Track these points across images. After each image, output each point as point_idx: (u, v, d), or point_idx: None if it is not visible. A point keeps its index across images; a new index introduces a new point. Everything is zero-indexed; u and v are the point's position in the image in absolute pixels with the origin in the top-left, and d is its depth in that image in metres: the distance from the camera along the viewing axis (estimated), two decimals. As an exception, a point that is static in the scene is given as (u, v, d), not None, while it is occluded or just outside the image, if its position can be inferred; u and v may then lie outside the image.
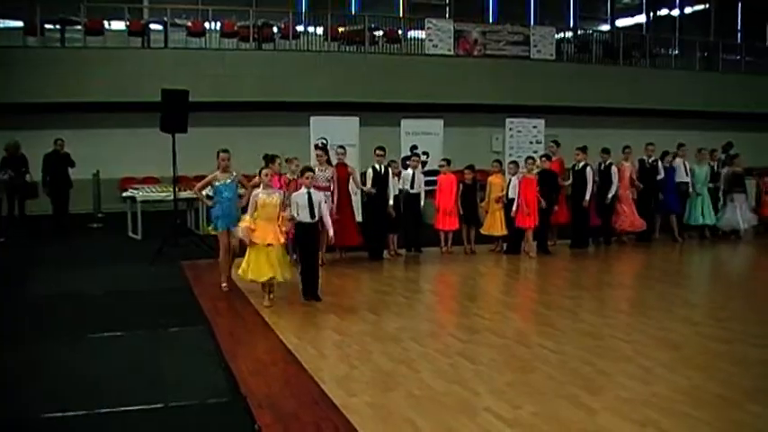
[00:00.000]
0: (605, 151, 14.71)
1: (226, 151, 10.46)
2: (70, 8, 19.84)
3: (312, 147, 13.86)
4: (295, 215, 9.46)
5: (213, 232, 10.67)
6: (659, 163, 15.40)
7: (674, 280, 12.11)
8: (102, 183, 18.49)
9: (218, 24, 21.45)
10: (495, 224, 13.91)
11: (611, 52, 25.53)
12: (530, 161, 13.90)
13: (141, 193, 15.84)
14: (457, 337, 8.04)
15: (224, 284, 10.40)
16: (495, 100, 21.48)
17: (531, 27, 24.08)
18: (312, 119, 14.87)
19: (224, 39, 21.37)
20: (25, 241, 15.04)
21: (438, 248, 13.90)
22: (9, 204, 15.66)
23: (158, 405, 6.01)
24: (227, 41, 21.37)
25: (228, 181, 10.35)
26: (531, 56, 23.30)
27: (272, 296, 9.38)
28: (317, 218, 9.61)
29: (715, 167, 16.24)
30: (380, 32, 23.31)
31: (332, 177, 12.25)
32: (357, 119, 15.15)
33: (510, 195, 13.59)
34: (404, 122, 16.08)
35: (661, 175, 15.35)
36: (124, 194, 16.56)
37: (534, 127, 17.76)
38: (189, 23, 21.01)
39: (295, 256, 11.03)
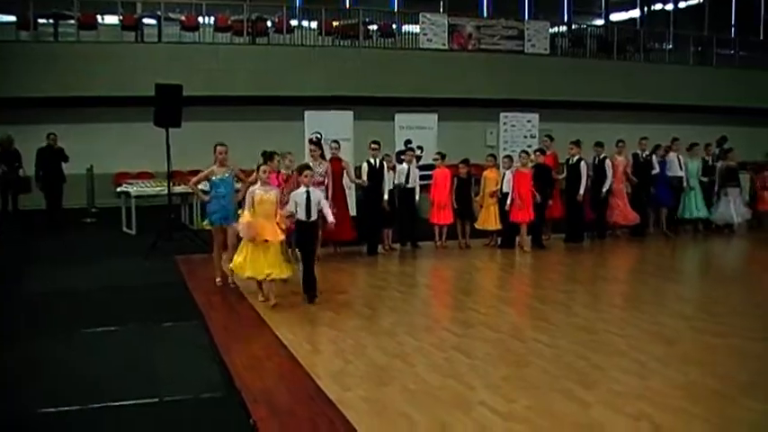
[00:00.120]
0: (599, 145, 14.74)
1: (223, 145, 10.33)
2: (63, 2, 19.73)
3: (306, 141, 13.83)
4: (294, 212, 9.31)
5: (207, 227, 10.63)
6: (653, 157, 15.43)
7: (667, 274, 12.14)
8: (96, 177, 18.44)
9: (212, 18, 21.36)
10: (489, 218, 13.91)
11: (606, 47, 25.51)
12: (524, 155, 13.91)
13: (135, 188, 15.81)
14: (452, 332, 8.05)
15: (218, 279, 10.38)
16: (490, 94, 21.47)
17: (526, 21, 24.06)
18: (306, 113, 14.82)
19: (218, 33, 21.29)
20: (19, 236, 15.01)
21: (432, 243, 13.91)
22: (2, 199, 15.65)
23: (153, 399, 6.02)
24: (221, 36, 21.30)
25: (226, 175, 10.24)
26: (526, 50, 23.29)
27: (273, 295, 9.14)
28: (313, 217, 9.41)
29: (710, 162, 16.26)
30: (375, 27, 23.26)
31: (326, 172, 12.23)
32: (351, 113, 15.11)
33: (504, 190, 13.59)
34: (398, 117, 16.05)
35: (656, 170, 15.39)
36: (118, 189, 16.52)
37: (528, 121, 17.77)
38: (182, 18, 20.95)
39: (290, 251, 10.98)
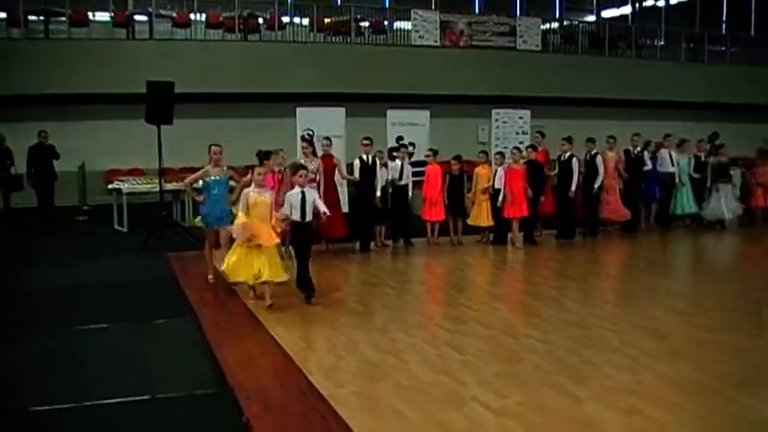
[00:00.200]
0: (590, 141, 14.77)
1: (218, 145, 10.25)
2: (54, -1, 19.74)
3: (299, 138, 13.82)
4: (288, 214, 9.14)
5: (199, 224, 10.60)
6: (645, 154, 15.48)
7: (659, 270, 12.16)
8: (88, 175, 18.42)
9: (204, 15, 21.31)
10: (481, 215, 13.92)
11: (597, 43, 25.56)
12: (515, 152, 13.92)
13: (127, 186, 15.78)
14: (444, 328, 8.05)
15: (210, 276, 10.36)
16: (482, 91, 21.48)
17: (517, 18, 24.08)
18: (298, 110, 14.79)
19: (209, 30, 21.24)
20: (11, 235, 14.96)
21: (424, 239, 13.91)
22: (-6, 197, 15.62)
23: (145, 397, 6.01)
24: (213, 32, 21.25)
25: (220, 176, 10.17)
26: (517, 47, 23.32)
27: (268, 295, 8.94)
28: (308, 218, 9.24)
29: (702, 158, 16.29)
30: (366, 23, 23.28)
31: (317, 169, 12.20)
32: (343, 110, 15.09)
33: (496, 186, 13.61)
34: (390, 113, 16.03)
35: (648, 166, 15.46)
36: (110, 187, 16.48)
37: (520, 118, 17.78)
38: (174, 14, 20.87)
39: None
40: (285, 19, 22.25)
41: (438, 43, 22.46)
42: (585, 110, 22.92)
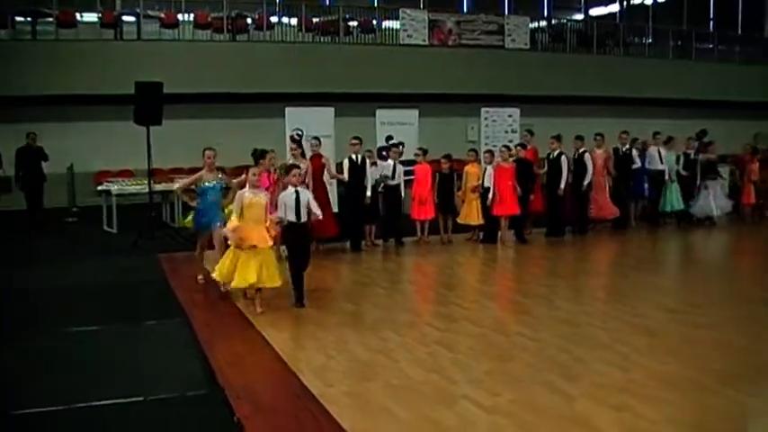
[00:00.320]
0: (579, 138, 14.80)
1: (212, 149, 10.03)
2: (42, 0, 19.60)
3: (288, 138, 13.81)
4: (283, 217, 8.93)
5: (188, 225, 10.56)
6: (633, 151, 15.52)
7: (649, 267, 12.20)
8: (77, 176, 18.34)
9: (192, 16, 21.26)
10: (471, 213, 13.92)
11: (586, 41, 25.62)
12: (504, 150, 13.94)
13: (116, 187, 15.69)
14: (435, 327, 8.06)
15: (200, 277, 10.32)
16: (470, 89, 21.50)
17: (506, 16, 24.12)
18: (287, 110, 14.77)
19: (197, 30, 21.19)
20: (-1, 237, 14.93)
21: (414, 238, 13.91)
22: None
23: (138, 398, 6.00)
24: (201, 33, 21.19)
25: (214, 182, 9.99)
26: (506, 45, 23.35)
27: (259, 303, 8.78)
28: (303, 219, 9.04)
29: (691, 155, 16.32)
30: (355, 23, 23.27)
31: (305, 171, 12.10)
32: (332, 109, 15.08)
33: (486, 184, 13.62)
34: (379, 112, 16.04)
35: (636, 164, 15.50)
36: (99, 188, 16.38)
37: (509, 116, 17.79)
38: (162, 15, 20.82)
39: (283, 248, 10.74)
40: (273, 19, 22.24)
41: (427, 42, 22.47)
42: (574, 108, 22.93)
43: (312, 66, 20.43)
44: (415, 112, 16.41)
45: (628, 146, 15.51)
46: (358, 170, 13.07)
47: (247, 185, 8.96)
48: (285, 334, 7.82)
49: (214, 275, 9.01)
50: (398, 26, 22.57)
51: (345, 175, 13.06)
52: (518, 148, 14.36)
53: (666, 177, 15.73)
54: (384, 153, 14.04)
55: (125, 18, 20.52)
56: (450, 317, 8.52)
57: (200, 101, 19.53)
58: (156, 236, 13.45)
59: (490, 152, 14.13)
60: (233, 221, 8.80)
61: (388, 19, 23.53)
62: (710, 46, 28.06)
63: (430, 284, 11.50)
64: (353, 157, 13.07)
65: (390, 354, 7.06)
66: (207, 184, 9.96)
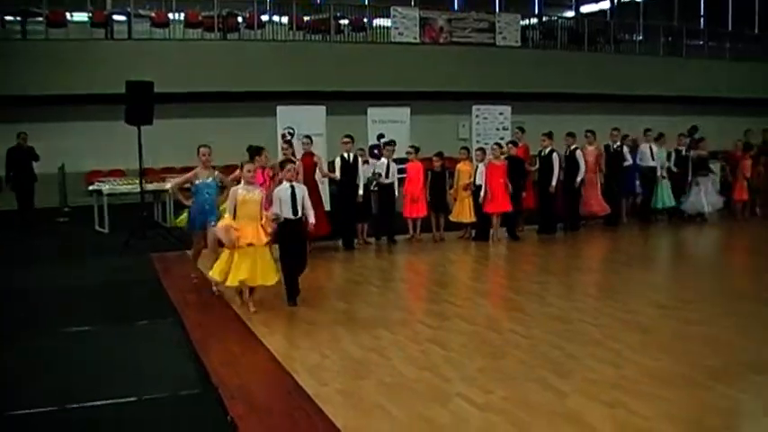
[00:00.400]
0: (570, 135, 14.82)
1: (206, 146, 9.94)
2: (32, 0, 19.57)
3: (279, 137, 13.81)
4: (279, 213, 8.78)
5: (180, 224, 10.53)
6: (624, 148, 15.55)
7: (640, 264, 12.23)
8: (68, 176, 18.31)
9: (182, 15, 21.23)
10: (463, 211, 13.93)
11: (576, 38, 25.68)
12: (495, 147, 13.95)
13: (107, 187, 15.66)
14: (427, 324, 8.07)
15: (193, 275, 10.31)
16: (462, 87, 21.54)
17: (497, 14, 24.18)
18: (279, 108, 14.76)
19: (188, 29, 21.17)
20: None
21: (407, 236, 13.92)
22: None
23: (131, 399, 5.98)
24: (192, 32, 21.18)
25: (210, 180, 9.86)
26: (497, 43, 23.39)
27: (252, 303, 8.73)
28: (299, 214, 8.93)
29: (682, 152, 16.35)
30: (346, 21, 23.28)
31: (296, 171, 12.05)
32: (324, 108, 15.07)
33: (477, 182, 13.63)
34: (370, 111, 16.04)
35: (628, 161, 15.53)
36: (90, 188, 16.34)
37: (501, 113, 17.83)
38: (152, 14, 20.80)
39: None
40: (264, 17, 22.24)
41: (418, 40, 22.50)
42: (565, 105, 23.00)
43: (303, 64, 20.41)
44: (407, 110, 16.42)
45: (619, 143, 15.54)
46: (350, 168, 13.07)
47: (242, 181, 8.82)
48: (278, 333, 7.82)
49: (210, 274, 8.94)
50: (389, 24, 22.58)
51: (337, 174, 13.07)
52: (509, 145, 14.37)
53: (658, 174, 15.77)
54: (376, 151, 14.05)
55: (116, 17, 20.45)
56: (442, 314, 8.53)
57: (191, 100, 19.51)
58: (148, 235, 13.43)
59: (482, 150, 14.16)
60: (225, 220, 8.72)
61: (379, 17, 23.51)
62: (701, 43, 28.16)
63: (422, 282, 11.51)
64: (345, 155, 13.07)
65: (383, 352, 7.06)
66: (202, 180, 9.83)
